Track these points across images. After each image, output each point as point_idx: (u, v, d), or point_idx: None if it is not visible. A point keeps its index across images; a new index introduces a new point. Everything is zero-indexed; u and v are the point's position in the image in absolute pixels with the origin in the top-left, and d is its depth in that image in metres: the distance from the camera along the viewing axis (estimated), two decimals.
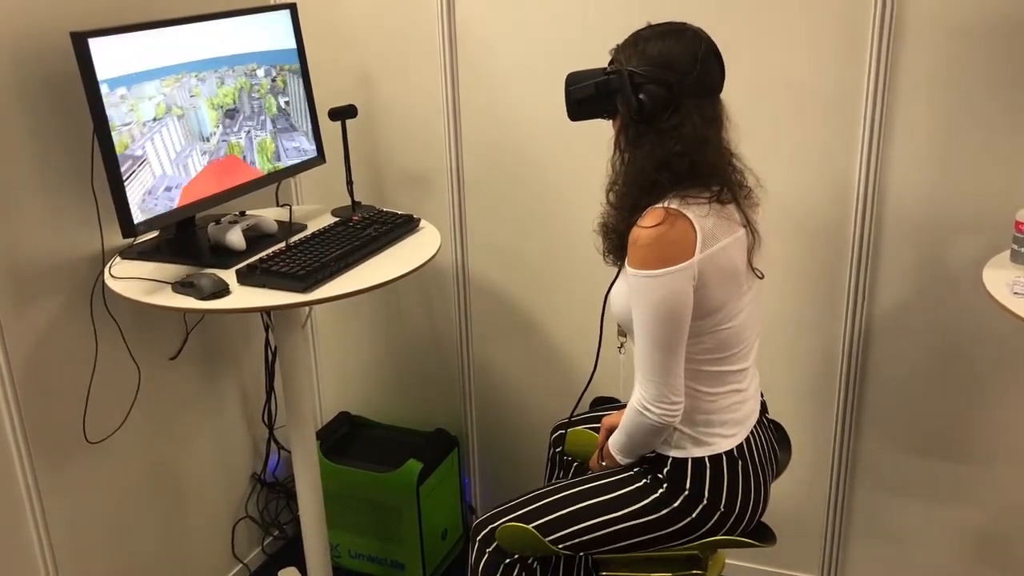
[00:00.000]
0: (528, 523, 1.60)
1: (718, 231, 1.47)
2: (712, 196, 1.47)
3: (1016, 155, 1.84)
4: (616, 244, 1.54)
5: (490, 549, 1.64)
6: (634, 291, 1.47)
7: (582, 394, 1.76)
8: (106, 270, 1.81)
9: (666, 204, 1.46)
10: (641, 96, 1.46)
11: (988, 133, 1.85)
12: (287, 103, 2.08)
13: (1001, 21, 1.78)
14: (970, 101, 1.84)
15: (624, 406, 1.85)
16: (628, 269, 1.47)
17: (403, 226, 1.99)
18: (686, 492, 1.55)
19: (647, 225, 1.44)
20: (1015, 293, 1.62)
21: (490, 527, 1.64)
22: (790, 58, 1.94)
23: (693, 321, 1.47)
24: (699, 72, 1.46)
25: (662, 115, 1.46)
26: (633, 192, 1.49)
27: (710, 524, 1.56)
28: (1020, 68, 1.79)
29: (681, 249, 1.43)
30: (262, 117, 2.01)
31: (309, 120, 2.14)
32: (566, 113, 1.56)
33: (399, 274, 1.78)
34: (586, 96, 1.53)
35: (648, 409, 1.49)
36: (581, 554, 1.66)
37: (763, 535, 1.64)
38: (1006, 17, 1.77)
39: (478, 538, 1.66)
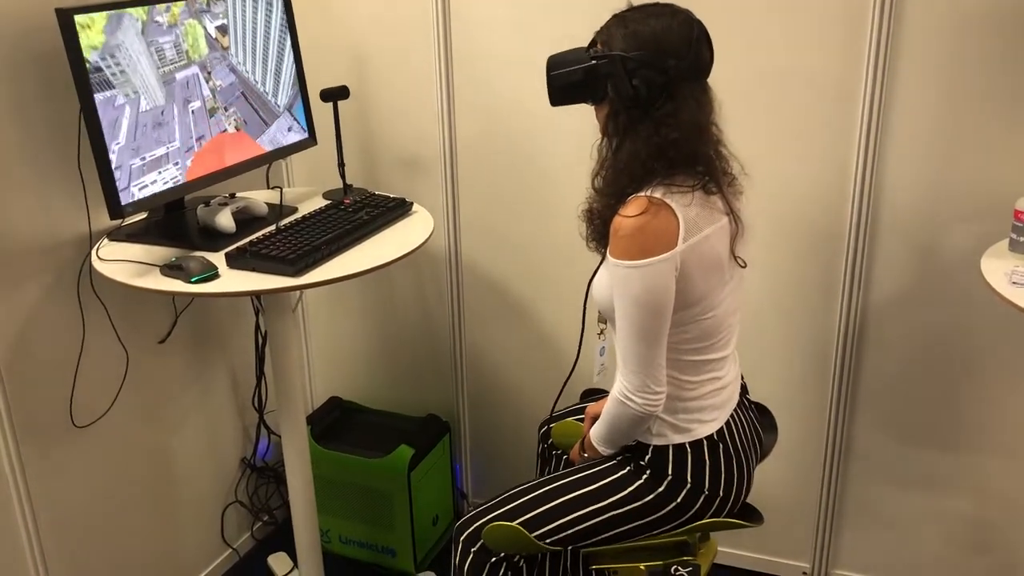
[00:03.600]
0: (513, 520, 1.58)
1: (701, 220, 1.45)
2: (697, 184, 1.45)
3: (1015, 143, 1.83)
4: (601, 231, 1.52)
5: (475, 549, 1.62)
6: (616, 281, 1.45)
7: (562, 388, 1.75)
8: (93, 252, 1.79)
9: (649, 193, 1.44)
10: (635, 82, 1.42)
11: (987, 121, 1.84)
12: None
13: (1000, 7, 1.76)
14: (969, 88, 1.83)
15: (603, 395, 1.85)
16: (610, 259, 1.45)
17: (395, 210, 1.96)
18: (669, 477, 1.55)
19: (629, 215, 1.42)
20: (1013, 283, 1.60)
21: (475, 526, 1.62)
22: (789, 44, 1.92)
23: (675, 311, 1.45)
24: (693, 56, 1.43)
25: (657, 101, 1.43)
26: (622, 179, 1.47)
27: (696, 507, 1.56)
28: (1019, 54, 1.78)
29: (663, 239, 1.41)
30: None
31: (300, 100, 2.11)
32: (548, 98, 1.52)
33: (391, 258, 1.76)
34: (572, 81, 1.49)
35: (630, 399, 1.48)
36: (569, 548, 1.65)
37: (750, 516, 1.64)
38: (1005, 3, 1.76)
39: (462, 538, 1.63)
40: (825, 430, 2.17)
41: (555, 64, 1.51)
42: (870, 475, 2.18)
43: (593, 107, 1.54)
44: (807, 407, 2.17)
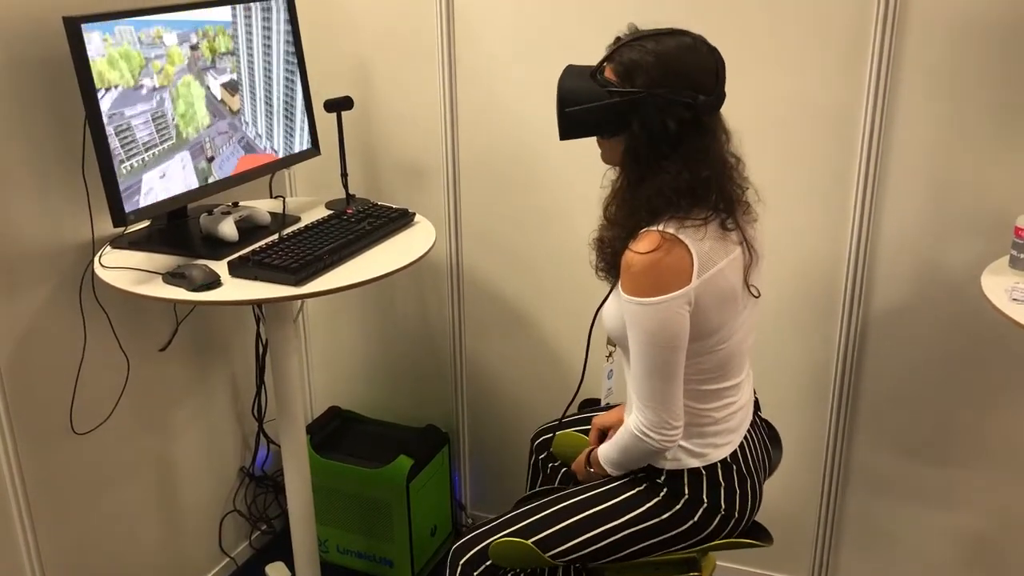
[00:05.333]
0: (526, 538, 1.55)
1: (715, 253, 1.42)
2: (711, 216, 1.41)
3: (1015, 160, 1.83)
4: (612, 262, 1.47)
5: (477, 573, 1.57)
6: (629, 317, 1.42)
7: (568, 407, 1.74)
8: (96, 259, 1.79)
9: (662, 227, 1.40)
10: (666, 119, 1.36)
11: (987, 138, 1.84)
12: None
13: (1000, 26, 1.77)
14: (969, 106, 1.83)
15: (612, 407, 1.84)
16: (622, 294, 1.42)
17: (398, 220, 1.97)
18: (686, 496, 1.53)
19: (641, 251, 1.38)
20: (1014, 299, 1.61)
21: (477, 548, 1.57)
22: (789, 64, 1.92)
23: (689, 344, 1.42)
24: (719, 89, 1.40)
25: (686, 137, 1.38)
26: (640, 213, 1.42)
27: (712, 526, 1.54)
28: (1017, 73, 1.78)
29: (677, 276, 1.38)
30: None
31: (305, 111, 2.12)
32: (558, 130, 1.44)
33: (393, 269, 1.76)
34: (591, 120, 1.41)
35: (648, 436, 1.45)
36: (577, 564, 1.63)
37: (759, 534, 1.63)
38: (1005, 22, 1.76)
39: (461, 561, 1.58)
40: (824, 445, 2.16)
41: (569, 98, 1.41)
42: (869, 491, 2.17)
43: (597, 138, 1.48)
44: (807, 422, 2.16)
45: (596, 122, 1.42)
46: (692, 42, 1.40)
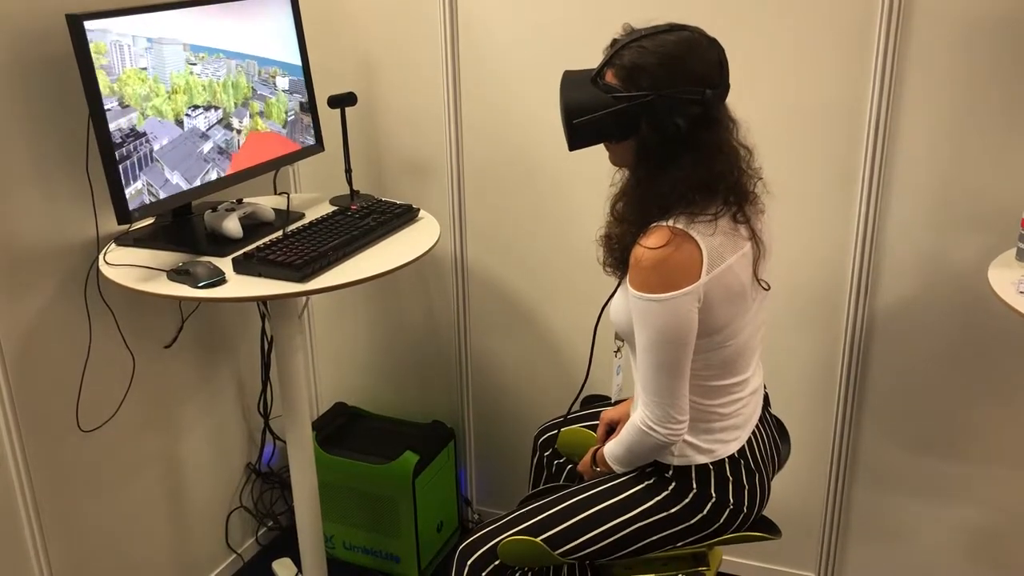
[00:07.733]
0: (536, 536, 1.54)
1: (724, 249, 1.40)
2: (721, 211, 1.40)
3: (1020, 153, 1.82)
4: (620, 258, 1.46)
5: (486, 572, 1.56)
6: (637, 313, 1.42)
7: (572, 404, 1.73)
8: (101, 256, 1.79)
9: (672, 223, 1.39)
10: (676, 119, 1.35)
11: (993, 130, 1.83)
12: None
13: (1007, 20, 1.76)
14: (976, 99, 1.83)
15: (621, 402, 1.84)
16: (630, 289, 1.41)
17: (402, 216, 1.97)
18: (694, 491, 1.53)
19: (651, 246, 1.37)
20: (1021, 292, 1.60)
21: (485, 548, 1.56)
22: (795, 60, 1.92)
23: (697, 340, 1.42)
24: (725, 81, 1.39)
25: (698, 133, 1.37)
26: (651, 209, 1.41)
27: (721, 521, 1.54)
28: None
29: (686, 272, 1.37)
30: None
31: (308, 107, 2.12)
32: (567, 142, 1.42)
33: (397, 265, 1.76)
34: (601, 128, 1.39)
35: (653, 430, 1.45)
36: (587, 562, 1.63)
37: (767, 528, 1.63)
38: (1009, 17, 1.75)
39: (469, 561, 1.57)
40: (831, 440, 2.16)
41: (575, 109, 1.39)
42: (876, 485, 2.17)
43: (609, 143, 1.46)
44: (814, 416, 2.16)
45: (605, 130, 1.41)
46: (691, 36, 1.39)
